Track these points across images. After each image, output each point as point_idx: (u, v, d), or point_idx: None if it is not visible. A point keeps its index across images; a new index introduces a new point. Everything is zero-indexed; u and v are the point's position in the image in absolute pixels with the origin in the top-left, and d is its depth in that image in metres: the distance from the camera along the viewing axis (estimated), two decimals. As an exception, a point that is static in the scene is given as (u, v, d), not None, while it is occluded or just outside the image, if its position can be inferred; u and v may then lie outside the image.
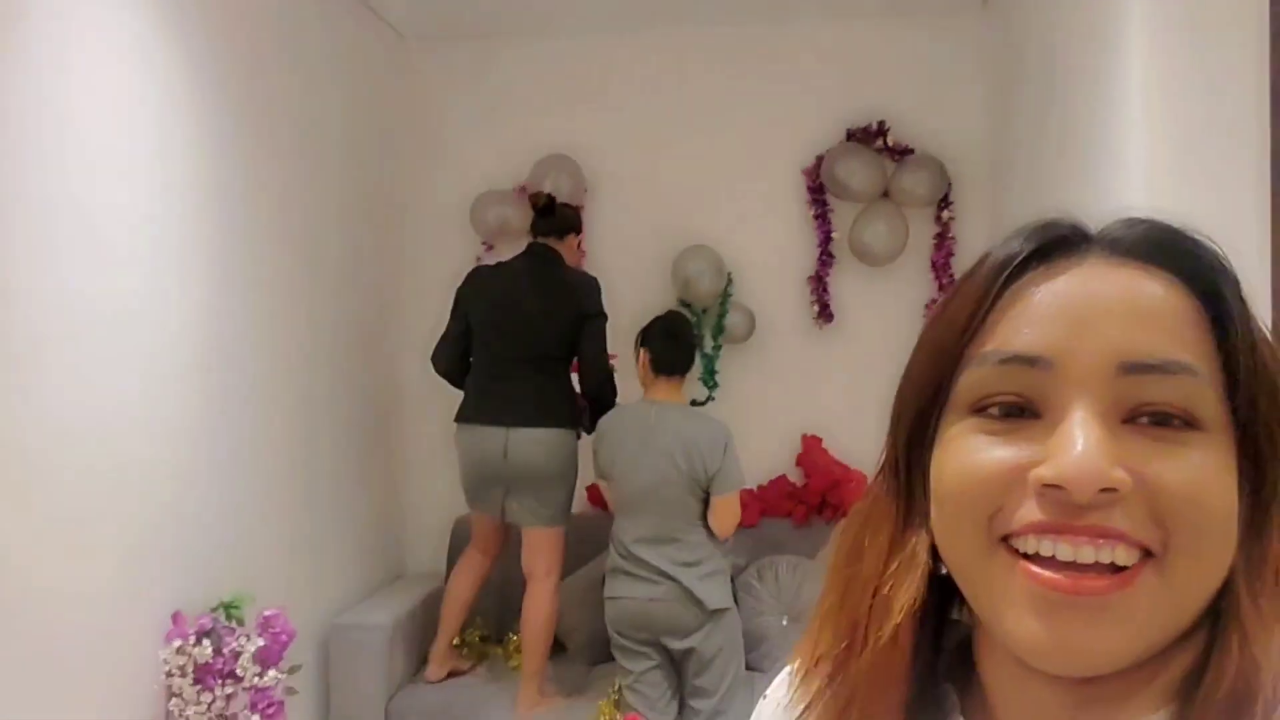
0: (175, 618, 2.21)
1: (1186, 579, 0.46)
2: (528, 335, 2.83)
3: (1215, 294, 0.49)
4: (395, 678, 2.96)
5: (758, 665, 3.03)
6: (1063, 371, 0.48)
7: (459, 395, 2.97)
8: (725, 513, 2.65)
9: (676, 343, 2.75)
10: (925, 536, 0.53)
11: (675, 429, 2.64)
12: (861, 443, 3.33)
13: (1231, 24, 1.94)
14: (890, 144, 3.38)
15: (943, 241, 3.39)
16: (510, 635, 3.19)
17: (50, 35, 1.87)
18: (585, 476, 2.94)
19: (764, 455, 3.39)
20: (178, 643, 2.15)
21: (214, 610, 2.29)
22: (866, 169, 3.34)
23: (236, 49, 2.51)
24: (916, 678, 0.54)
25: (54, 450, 1.88)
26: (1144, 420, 0.47)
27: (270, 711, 2.24)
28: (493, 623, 3.29)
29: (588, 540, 3.11)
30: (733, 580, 2.90)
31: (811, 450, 3.41)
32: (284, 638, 2.30)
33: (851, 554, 0.57)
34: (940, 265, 3.39)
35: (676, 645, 2.65)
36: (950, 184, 3.36)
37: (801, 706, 0.57)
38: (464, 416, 2.90)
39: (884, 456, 0.57)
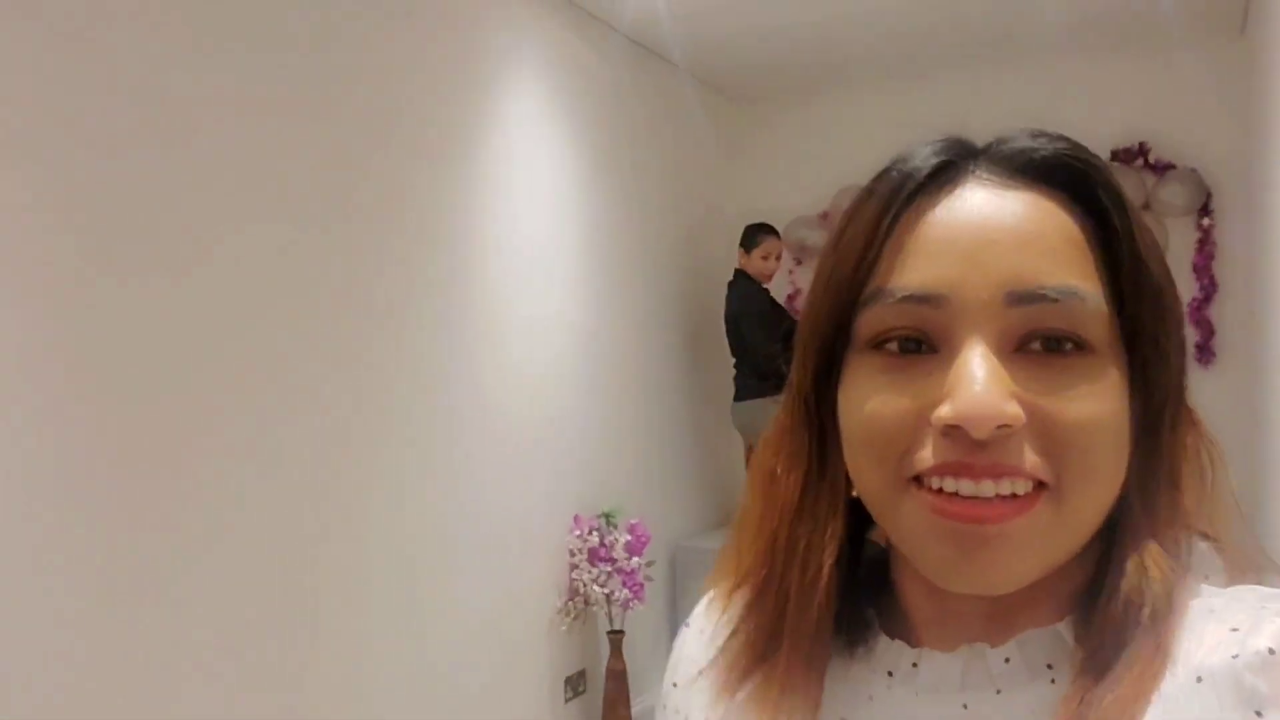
0: (576, 519, 3.33)
1: (1080, 502, 0.48)
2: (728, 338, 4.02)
3: (1103, 211, 0.50)
4: (722, 589, 3.94)
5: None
6: (955, 306, 0.48)
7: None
8: None
9: None
10: (841, 468, 0.55)
11: None
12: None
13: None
14: (1151, 161, 3.82)
15: (1204, 246, 3.77)
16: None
17: (506, 155, 3.05)
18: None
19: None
20: (578, 533, 3.26)
21: (599, 516, 3.38)
22: (1128, 185, 3.78)
23: (615, 135, 3.63)
24: (837, 596, 0.55)
25: (511, 408, 3.05)
26: (1035, 346, 0.48)
27: (635, 588, 3.29)
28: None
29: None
30: None
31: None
32: (644, 538, 3.34)
33: (766, 483, 0.58)
34: (1201, 267, 3.77)
35: None
36: (1210, 194, 3.73)
37: (727, 632, 0.59)
38: None
39: (792, 386, 0.57)
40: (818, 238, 4.36)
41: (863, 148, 4.30)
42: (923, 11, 3.48)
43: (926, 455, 0.48)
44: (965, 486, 0.47)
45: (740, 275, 4.02)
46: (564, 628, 3.25)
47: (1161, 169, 3.81)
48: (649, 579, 3.39)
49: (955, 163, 0.53)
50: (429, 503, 2.72)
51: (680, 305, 4.13)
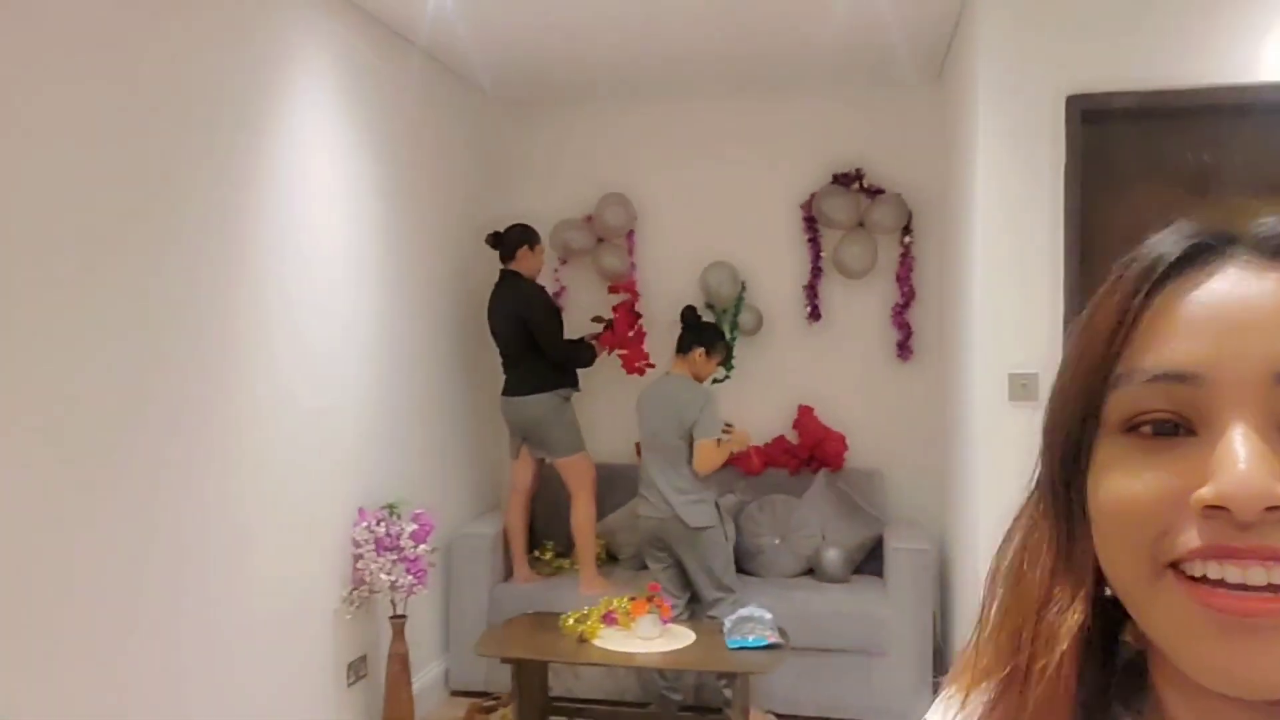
0: (360, 512, 3.44)
1: None
2: (505, 335, 4.10)
3: None
4: (497, 573, 4.17)
5: (757, 571, 4.17)
6: (1216, 386, 0.46)
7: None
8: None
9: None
10: (1089, 560, 0.52)
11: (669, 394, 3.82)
12: (840, 411, 4.45)
13: (1041, 125, 3.00)
14: (865, 185, 4.46)
15: (905, 259, 4.46)
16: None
17: (292, 143, 3.11)
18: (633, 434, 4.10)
19: (768, 420, 4.50)
20: (365, 524, 3.38)
21: (383, 508, 3.51)
22: (846, 205, 4.43)
23: (392, 133, 3.74)
24: (1085, 701, 0.52)
25: (299, 405, 3.12)
26: None
27: (419, 574, 3.45)
28: (562, 543, 4.48)
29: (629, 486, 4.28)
30: (717, 506, 3.88)
31: (804, 416, 4.51)
32: (427, 527, 3.51)
33: (1011, 576, 0.55)
34: (903, 278, 4.46)
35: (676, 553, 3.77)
36: (911, 215, 4.42)
37: None
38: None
39: (1038, 476, 0.55)
40: (582, 239, 4.68)
41: (624, 157, 4.71)
42: (683, 37, 3.87)
43: (1187, 538, 0.46)
44: (1231, 573, 0.44)
45: (513, 275, 4.12)
46: (348, 616, 3.36)
47: (874, 193, 4.45)
48: (432, 564, 3.56)
49: (1210, 245, 0.50)
50: (217, 496, 2.75)
51: (450, 303, 4.29)
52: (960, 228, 3.96)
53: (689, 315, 3.96)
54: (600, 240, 4.73)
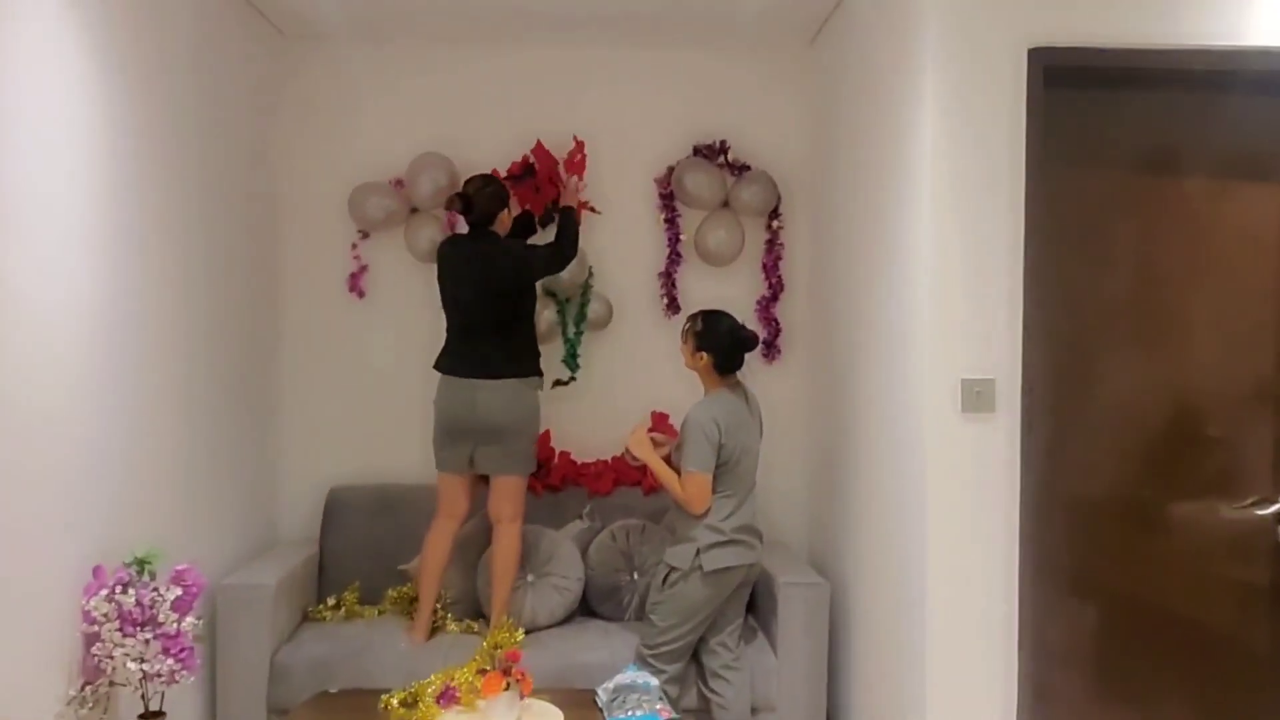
0: (96, 571, 2.42)
1: None
2: (485, 306, 3.25)
3: None
4: (280, 632, 3.21)
5: (611, 615, 3.47)
6: None
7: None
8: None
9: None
10: None
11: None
12: (701, 420, 3.83)
13: (998, 85, 2.50)
14: (730, 160, 3.87)
15: (772, 247, 3.91)
16: (391, 590, 3.53)
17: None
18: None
19: (618, 429, 3.80)
20: (104, 592, 2.36)
21: (128, 564, 2.50)
22: (710, 181, 3.82)
23: (141, 48, 2.71)
24: None
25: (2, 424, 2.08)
26: None
27: (183, 656, 2.48)
28: (370, 585, 3.58)
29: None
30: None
31: (660, 425, 3.84)
32: (195, 589, 2.54)
33: None
34: (770, 267, 3.91)
35: None
36: (780, 197, 3.88)
37: None
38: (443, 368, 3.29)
39: None
40: (389, 208, 3.78)
41: (446, 110, 3.81)
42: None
43: None
44: None
45: (490, 235, 3.32)
46: (76, 724, 2.34)
47: (739, 169, 3.87)
48: (199, 640, 2.59)
49: None
50: None
51: (213, 281, 3.27)
52: (839, 212, 3.46)
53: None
54: (414, 211, 3.84)
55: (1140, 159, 2.62)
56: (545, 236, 3.67)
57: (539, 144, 3.78)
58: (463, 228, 3.63)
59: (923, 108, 2.56)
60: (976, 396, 2.50)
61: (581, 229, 3.50)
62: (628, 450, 3.19)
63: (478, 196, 3.29)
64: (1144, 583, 2.67)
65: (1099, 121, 2.60)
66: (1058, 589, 2.60)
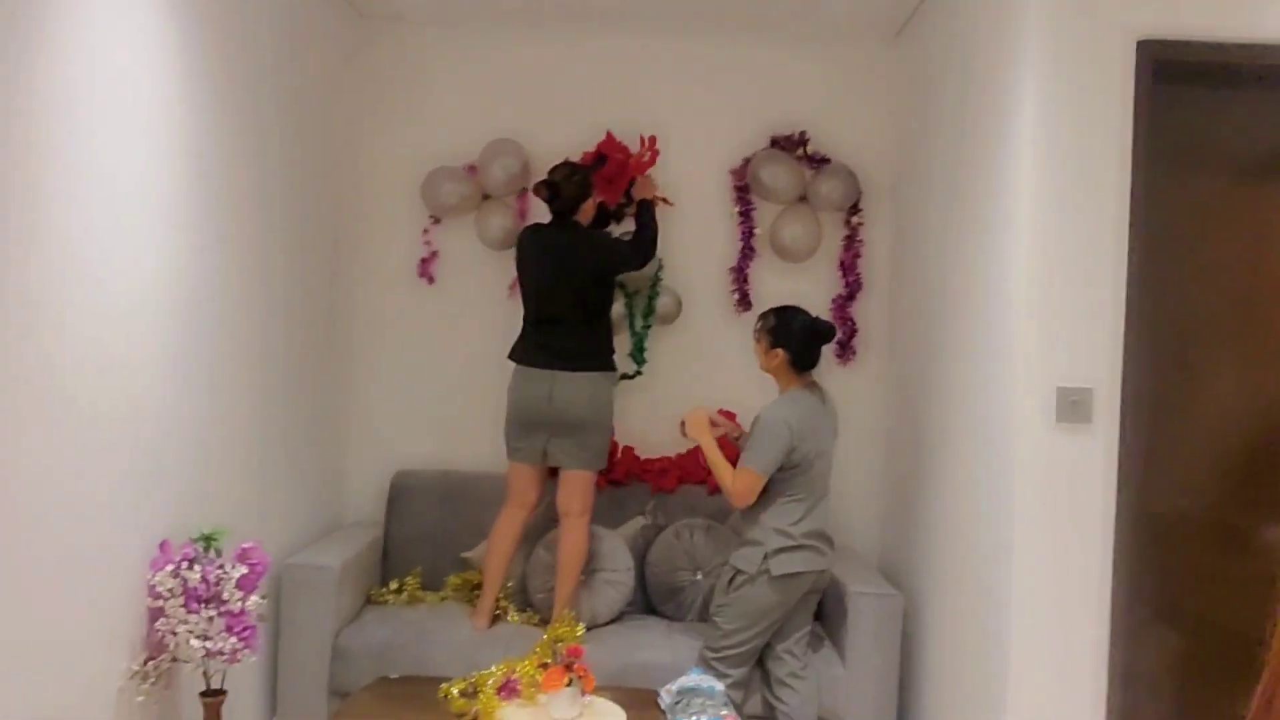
0: (163, 546, 2.41)
1: None
2: (566, 296, 3.21)
3: None
4: (343, 614, 3.19)
5: (673, 614, 3.40)
6: None
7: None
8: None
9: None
10: None
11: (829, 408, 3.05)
12: (770, 419, 3.73)
13: (1104, 79, 2.37)
14: (809, 153, 3.76)
15: (851, 244, 3.80)
16: (453, 577, 3.51)
17: (80, 48, 2.05)
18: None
19: (683, 427, 3.74)
20: (170, 567, 2.35)
21: (195, 541, 2.49)
22: (788, 174, 3.72)
23: (223, 26, 2.70)
24: None
25: (80, 396, 2.07)
26: None
27: (246, 635, 2.46)
28: (433, 570, 3.56)
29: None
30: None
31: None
32: (260, 568, 2.52)
33: None
34: (848, 265, 3.80)
35: None
36: (861, 193, 3.76)
37: None
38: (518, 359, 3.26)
39: None
40: (462, 194, 3.74)
41: (520, 97, 3.76)
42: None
43: None
44: None
45: (573, 225, 3.29)
46: (140, 697, 2.34)
47: (819, 161, 3.76)
48: (263, 619, 2.57)
49: None
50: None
51: (286, 267, 3.26)
52: (925, 209, 3.33)
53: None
54: (486, 198, 3.80)
55: (1252, 162, 2.47)
56: (616, 229, 3.60)
57: (609, 135, 3.71)
58: (533, 216, 3.59)
59: (1022, 104, 2.44)
60: (1072, 406, 2.37)
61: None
62: (683, 425, 3.08)
63: (565, 184, 3.24)
64: (1238, 610, 2.52)
65: (1209, 121, 2.46)
66: (1149, 614, 2.46)
